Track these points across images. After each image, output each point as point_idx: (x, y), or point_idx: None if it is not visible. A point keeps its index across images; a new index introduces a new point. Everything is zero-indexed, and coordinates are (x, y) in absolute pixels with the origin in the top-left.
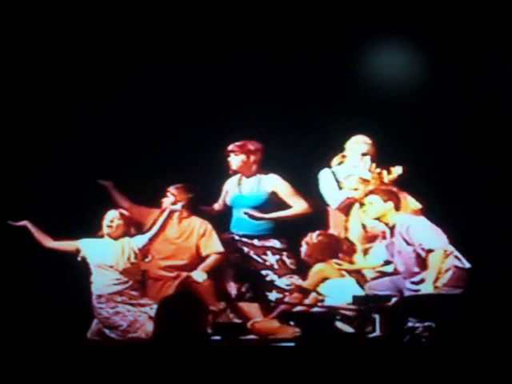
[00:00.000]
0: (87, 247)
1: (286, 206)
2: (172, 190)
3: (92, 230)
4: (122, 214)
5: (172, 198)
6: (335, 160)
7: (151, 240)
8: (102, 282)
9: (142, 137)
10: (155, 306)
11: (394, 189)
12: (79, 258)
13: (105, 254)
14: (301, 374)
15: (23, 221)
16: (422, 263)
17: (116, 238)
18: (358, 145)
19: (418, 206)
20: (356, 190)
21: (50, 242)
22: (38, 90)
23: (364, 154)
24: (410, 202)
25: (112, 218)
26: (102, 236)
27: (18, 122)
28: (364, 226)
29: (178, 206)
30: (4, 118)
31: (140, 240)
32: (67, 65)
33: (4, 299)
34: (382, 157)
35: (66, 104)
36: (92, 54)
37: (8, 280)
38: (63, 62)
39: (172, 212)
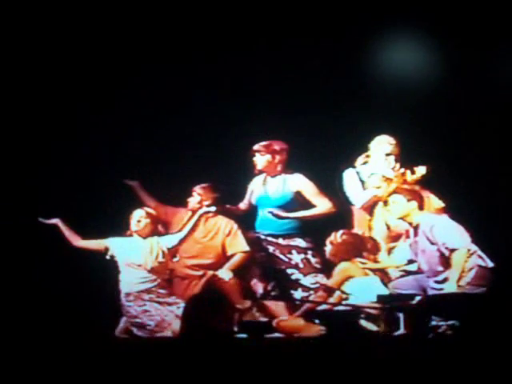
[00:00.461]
0: (116, 246)
1: (310, 206)
2: (198, 189)
3: (120, 229)
4: (148, 213)
5: (198, 198)
6: (359, 160)
7: (182, 241)
8: (131, 280)
9: (169, 137)
10: (182, 305)
11: (417, 188)
12: (108, 257)
13: (133, 253)
14: (325, 372)
15: (54, 219)
16: (446, 262)
17: (144, 237)
18: (382, 145)
19: (441, 204)
20: (379, 188)
21: (79, 241)
22: (70, 88)
23: (388, 154)
24: (433, 201)
25: (139, 216)
26: (130, 235)
27: (48, 121)
28: (387, 225)
29: (212, 208)
30: (33, 118)
31: (169, 240)
32: (96, 61)
33: (34, 297)
34: (405, 157)
35: (95, 103)
36: (122, 53)
37: (37, 278)
38: (93, 58)
39: (204, 214)
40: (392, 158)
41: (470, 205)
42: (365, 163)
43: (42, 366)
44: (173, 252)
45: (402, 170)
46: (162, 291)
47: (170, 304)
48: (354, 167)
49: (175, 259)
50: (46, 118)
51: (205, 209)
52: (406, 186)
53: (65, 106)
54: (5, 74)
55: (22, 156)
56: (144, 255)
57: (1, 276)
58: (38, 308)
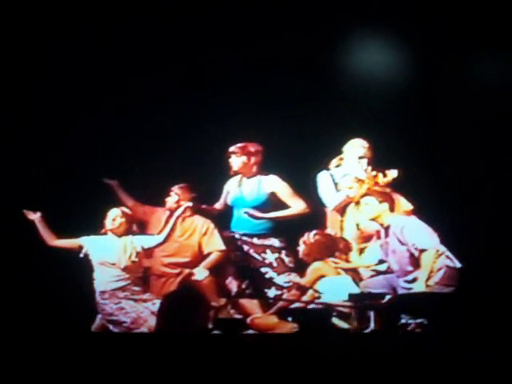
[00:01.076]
0: (90, 244)
1: (285, 207)
2: (176, 189)
3: (96, 228)
4: (124, 212)
5: (176, 198)
6: (333, 162)
7: (159, 244)
8: (105, 278)
9: (147, 137)
10: (157, 302)
11: (388, 190)
12: (81, 255)
13: (107, 251)
14: (298, 369)
15: (34, 214)
16: (415, 262)
17: (119, 235)
18: (355, 148)
19: (410, 206)
20: (351, 188)
21: (53, 241)
22: (43, 88)
23: (361, 157)
24: (402, 203)
25: (115, 215)
26: (105, 233)
27: (23, 119)
28: (358, 226)
29: (189, 203)
30: (11, 115)
31: (147, 241)
32: (73, 63)
33: (7, 296)
34: (377, 160)
35: (73, 103)
36: (97, 53)
37: (12, 276)
38: (69, 61)
39: (181, 215)
40: (365, 160)
41: (437, 207)
42: (338, 166)
43: (17, 366)
44: (149, 252)
45: (374, 172)
46: (136, 288)
47: (145, 301)
48: (327, 169)
49: (150, 258)
50: (25, 115)
51: (181, 209)
52: (377, 188)
53: (45, 104)
54: None
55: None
56: (118, 254)
57: None
58: (14, 305)
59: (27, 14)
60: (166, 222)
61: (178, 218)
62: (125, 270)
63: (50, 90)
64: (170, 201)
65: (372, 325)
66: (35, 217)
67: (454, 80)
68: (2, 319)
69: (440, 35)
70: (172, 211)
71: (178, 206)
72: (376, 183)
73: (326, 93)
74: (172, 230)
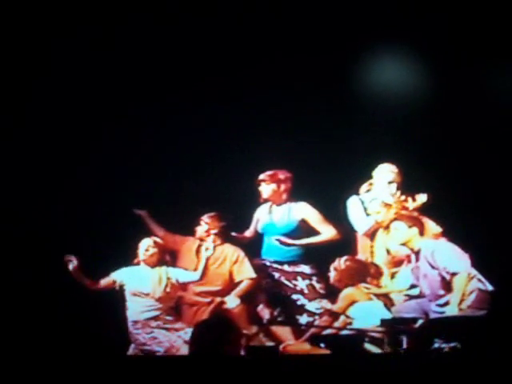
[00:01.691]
0: (124, 276)
1: (315, 233)
2: (205, 218)
3: (127, 259)
4: (156, 242)
5: (205, 227)
6: (363, 188)
7: (197, 281)
8: (138, 308)
9: (175, 166)
10: (189, 330)
11: (416, 214)
12: (117, 287)
13: (141, 282)
14: None
15: (71, 260)
16: (447, 286)
17: (152, 266)
18: (385, 173)
19: (439, 229)
20: (378, 213)
21: (94, 286)
22: (72, 115)
23: (390, 182)
24: (431, 226)
25: (147, 245)
26: (137, 264)
27: (53, 151)
28: (388, 251)
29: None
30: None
31: (182, 275)
32: (100, 88)
33: (44, 328)
34: (406, 184)
35: (104, 132)
36: (123, 77)
37: (47, 308)
38: (92, 81)
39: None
40: (394, 185)
41: (467, 229)
42: (368, 191)
43: None
44: (185, 286)
45: (403, 197)
46: (168, 318)
47: (177, 330)
48: (357, 195)
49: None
50: (55, 143)
51: (211, 247)
52: (405, 212)
53: (73, 131)
54: None
55: (28, 182)
56: (152, 284)
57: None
58: (48, 334)
59: (27, 15)
60: (197, 252)
61: (208, 258)
62: (158, 300)
63: (72, 118)
64: (200, 230)
65: (405, 350)
66: (72, 266)
67: (479, 101)
68: (38, 347)
69: (465, 56)
70: (202, 240)
71: (208, 235)
72: (404, 207)
73: (355, 118)
74: (206, 267)
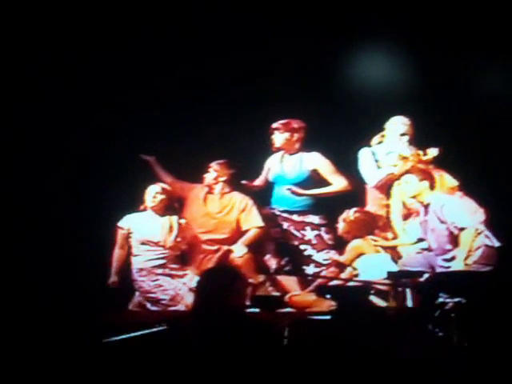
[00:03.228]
0: (132, 223)
1: (325, 184)
2: (214, 165)
3: (133, 205)
4: (163, 189)
5: (214, 174)
6: (375, 139)
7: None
8: (144, 256)
9: (187, 112)
10: (192, 276)
11: (431, 167)
12: (125, 231)
13: (150, 230)
14: (336, 346)
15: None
16: (454, 241)
17: (160, 213)
18: (397, 125)
19: (455, 183)
20: (395, 166)
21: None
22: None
23: (402, 134)
24: (447, 180)
25: (155, 192)
26: (144, 210)
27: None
28: (404, 203)
29: None
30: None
31: None
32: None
33: (47, 274)
34: (419, 138)
35: (114, 79)
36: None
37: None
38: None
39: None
40: (406, 138)
41: (484, 184)
42: (380, 143)
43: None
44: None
45: (416, 150)
46: (173, 266)
47: (181, 277)
48: (369, 146)
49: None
50: (64, 92)
51: None
52: (420, 166)
53: (82, 80)
54: None
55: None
56: (162, 233)
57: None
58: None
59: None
60: (205, 198)
61: None
62: (167, 248)
63: (86, 68)
64: (209, 177)
65: (410, 303)
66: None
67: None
68: (46, 297)
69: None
70: (210, 188)
71: (217, 183)
72: (420, 160)
73: (369, 69)
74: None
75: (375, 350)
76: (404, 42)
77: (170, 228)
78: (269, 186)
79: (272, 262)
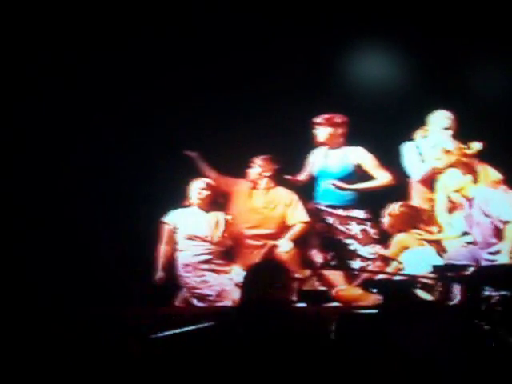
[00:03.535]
0: (177, 219)
1: (369, 178)
2: (258, 160)
3: (180, 200)
4: (208, 184)
5: (258, 169)
6: (418, 133)
7: None
8: (190, 251)
9: (230, 108)
10: (238, 271)
11: (475, 161)
12: (170, 227)
13: (196, 226)
14: (383, 340)
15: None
16: (499, 234)
17: (206, 209)
18: (440, 119)
19: (499, 177)
20: (439, 160)
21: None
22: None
23: (446, 129)
24: (491, 173)
25: (199, 188)
26: (189, 205)
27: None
28: (449, 197)
29: None
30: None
31: None
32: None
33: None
34: (463, 131)
35: (157, 75)
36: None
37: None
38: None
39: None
40: (449, 132)
41: None
42: (423, 137)
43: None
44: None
45: (464, 144)
46: (219, 261)
47: (227, 272)
48: (412, 140)
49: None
50: (107, 90)
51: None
52: (464, 159)
53: (126, 77)
54: None
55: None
56: (209, 228)
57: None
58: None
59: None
60: (249, 194)
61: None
62: (214, 244)
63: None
64: (253, 172)
65: (456, 297)
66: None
67: None
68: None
69: None
70: (255, 183)
71: (261, 178)
72: (464, 154)
73: (411, 64)
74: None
75: (421, 343)
76: (446, 36)
77: (217, 224)
78: (312, 181)
79: (318, 257)
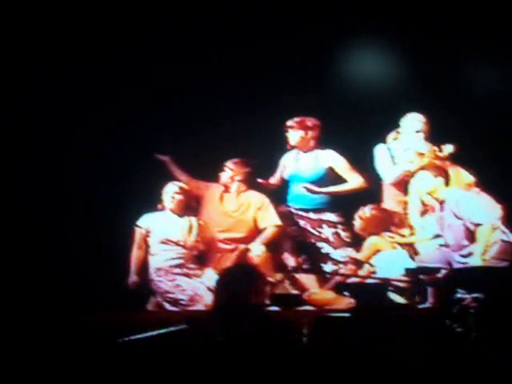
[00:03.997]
0: (151, 222)
1: (341, 181)
2: (230, 164)
3: (150, 204)
4: (181, 188)
5: (230, 173)
6: (390, 136)
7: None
8: (162, 256)
9: (201, 111)
10: (210, 275)
11: (447, 163)
12: (143, 231)
13: (169, 230)
14: (355, 343)
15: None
16: (471, 237)
17: (179, 213)
18: (412, 122)
19: (472, 179)
20: (412, 162)
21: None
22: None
23: (418, 131)
24: (463, 176)
25: (172, 192)
26: (162, 209)
27: (77, 95)
28: (422, 200)
29: None
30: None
31: None
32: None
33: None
34: (436, 134)
35: (125, 79)
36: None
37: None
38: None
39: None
40: (422, 135)
41: (501, 181)
42: (395, 139)
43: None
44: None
45: (436, 147)
46: (191, 266)
47: (199, 276)
48: (384, 143)
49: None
50: (76, 93)
51: None
52: (437, 162)
53: (94, 81)
54: None
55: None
56: (182, 233)
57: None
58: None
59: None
60: (221, 198)
61: None
62: (187, 248)
63: (99, 65)
64: (224, 176)
65: (428, 299)
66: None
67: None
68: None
69: None
70: (226, 186)
71: (232, 181)
72: (436, 157)
73: (382, 66)
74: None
75: (394, 346)
76: (420, 38)
77: (190, 228)
78: (284, 184)
79: (290, 260)
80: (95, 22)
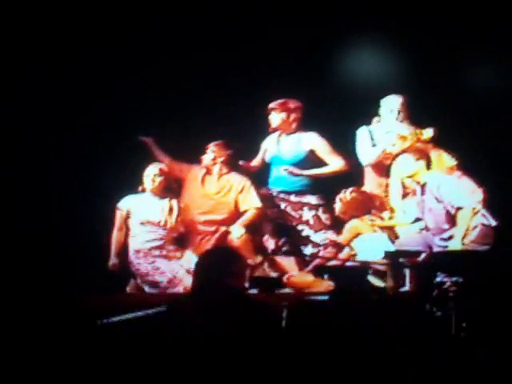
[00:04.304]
0: (132, 204)
1: (323, 164)
2: (212, 146)
3: (131, 185)
4: (161, 170)
5: (212, 155)
6: (375, 119)
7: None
8: (142, 237)
9: (184, 94)
10: (190, 258)
11: (429, 146)
12: (124, 213)
13: (150, 211)
14: (334, 326)
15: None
16: (452, 220)
17: (159, 195)
18: (392, 103)
19: (453, 162)
20: (394, 145)
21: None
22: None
23: (397, 113)
24: (445, 159)
25: (153, 174)
26: (143, 191)
27: (61, 77)
28: (403, 183)
29: None
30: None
31: None
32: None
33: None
34: (419, 117)
35: (112, 61)
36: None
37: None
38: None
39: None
40: (399, 114)
41: (483, 164)
42: (378, 122)
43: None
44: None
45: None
46: (171, 247)
47: (178, 258)
48: (367, 125)
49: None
50: (61, 76)
51: None
52: (419, 145)
53: (79, 64)
54: None
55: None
56: (162, 214)
57: None
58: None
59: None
60: (203, 179)
61: None
62: (167, 229)
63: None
64: (206, 158)
65: (408, 283)
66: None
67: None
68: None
69: None
70: (208, 168)
71: (214, 164)
72: (418, 140)
73: (365, 49)
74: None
75: (373, 330)
76: (400, 23)
77: (170, 209)
78: (266, 167)
79: (270, 243)
80: (95, 22)
